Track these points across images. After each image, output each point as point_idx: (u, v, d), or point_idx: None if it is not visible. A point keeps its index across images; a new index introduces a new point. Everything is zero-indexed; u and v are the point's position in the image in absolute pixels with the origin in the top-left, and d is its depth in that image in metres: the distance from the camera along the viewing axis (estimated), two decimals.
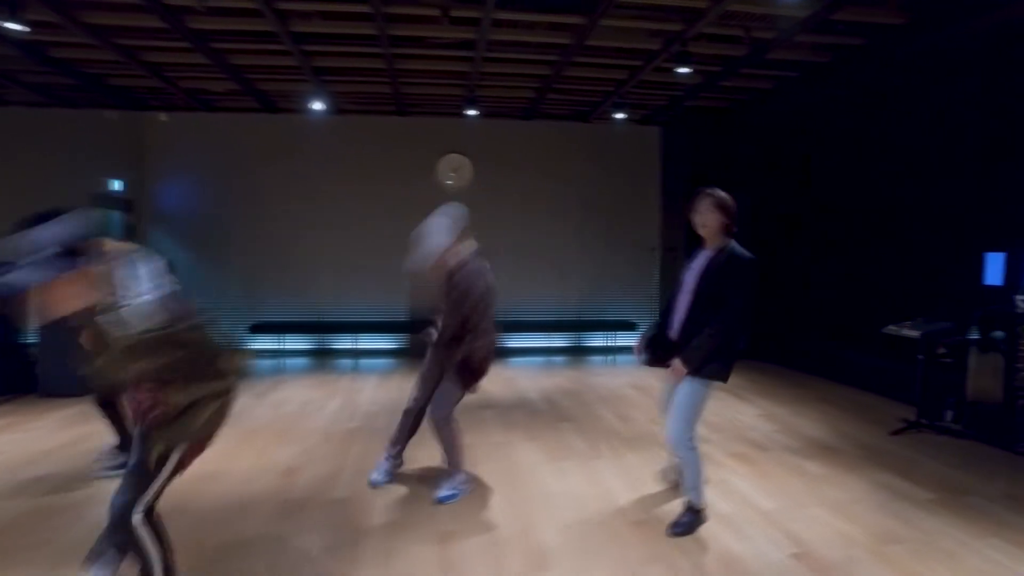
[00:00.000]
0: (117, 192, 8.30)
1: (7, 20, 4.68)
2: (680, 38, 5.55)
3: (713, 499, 3.62)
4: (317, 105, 7.75)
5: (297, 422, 5.43)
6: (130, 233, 8.57)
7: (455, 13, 5.40)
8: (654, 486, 3.94)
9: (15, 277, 1.82)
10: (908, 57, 5.76)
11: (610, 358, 8.88)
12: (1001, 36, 5.10)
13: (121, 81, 7.42)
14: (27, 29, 4.96)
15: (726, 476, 4.13)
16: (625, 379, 7.35)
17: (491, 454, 4.54)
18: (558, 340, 9.44)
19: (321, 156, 8.95)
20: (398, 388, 6.72)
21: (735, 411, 5.83)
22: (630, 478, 4.10)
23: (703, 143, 9.07)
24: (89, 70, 7.00)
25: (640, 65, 6.55)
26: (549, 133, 9.25)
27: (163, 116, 8.60)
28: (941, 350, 5.20)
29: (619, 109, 7.94)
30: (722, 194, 3.26)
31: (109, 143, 8.58)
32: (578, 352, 9.29)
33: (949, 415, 5.34)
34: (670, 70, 6.13)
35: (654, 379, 6.98)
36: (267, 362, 8.46)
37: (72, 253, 1.92)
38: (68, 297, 1.95)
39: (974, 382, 5.09)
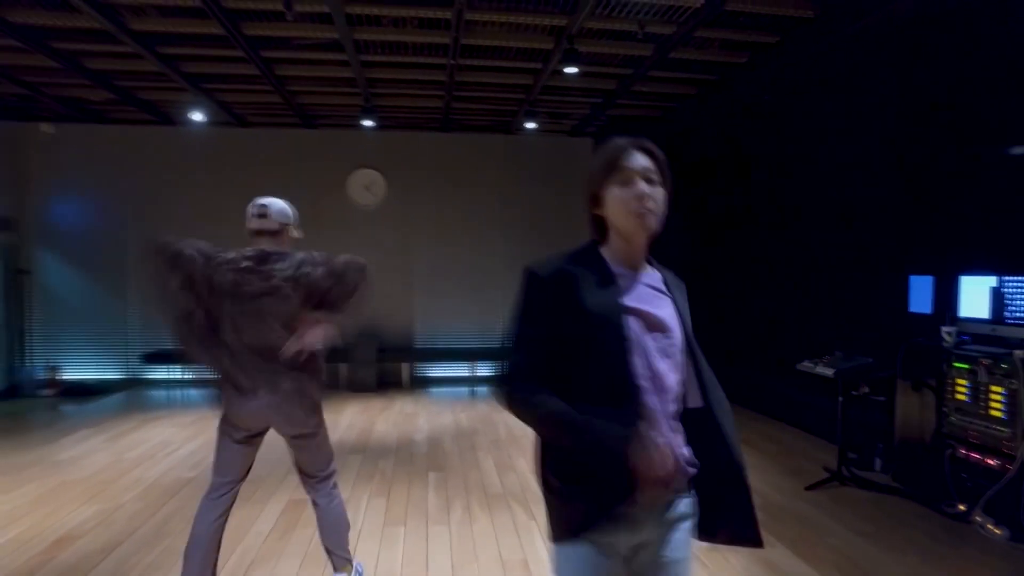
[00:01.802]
0: None
1: None
2: (565, 33, 4.90)
3: None
4: (198, 116, 7.08)
5: (129, 471, 4.68)
6: (11, 254, 7.87)
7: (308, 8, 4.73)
8: (487, 563, 3.20)
9: None
10: (820, 54, 5.11)
11: None
12: (918, 25, 4.47)
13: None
14: None
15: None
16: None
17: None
18: (485, 369, 8.71)
19: (221, 170, 8.25)
20: None
21: None
22: (463, 551, 3.35)
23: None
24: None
25: (538, 68, 5.90)
26: (469, 145, 8.59)
27: (46, 127, 7.89)
28: (864, 389, 4.50)
29: (534, 118, 7.29)
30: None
31: None
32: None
33: (878, 463, 4.65)
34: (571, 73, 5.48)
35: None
36: (160, 393, 7.72)
37: None
38: None
39: (902, 424, 4.40)
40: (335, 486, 2.78)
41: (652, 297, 1.44)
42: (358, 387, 7.82)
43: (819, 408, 5.23)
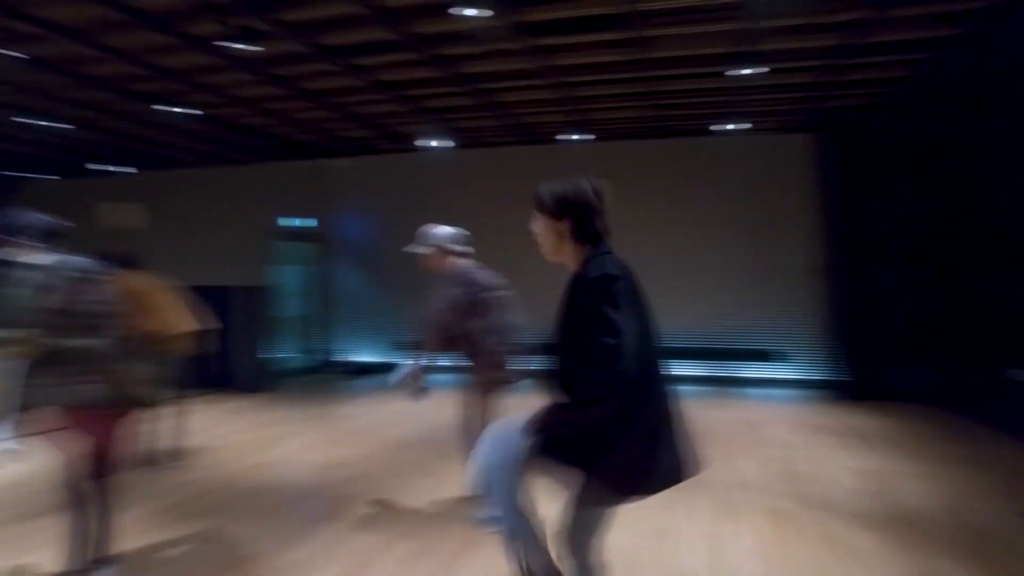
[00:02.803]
0: (305, 228, 10.03)
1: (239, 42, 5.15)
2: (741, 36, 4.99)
3: (691, 555, 3.22)
4: (437, 142, 8.51)
5: (384, 429, 5.99)
6: (318, 261, 10.23)
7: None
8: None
9: None
10: None
11: (732, 390, 8.05)
12: None
13: (303, 138, 9.00)
14: (260, 49, 5.37)
15: (733, 532, 3.60)
16: (733, 414, 6.65)
17: None
18: (695, 368, 8.73)
19: (457, 191, 9.66)
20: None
21: (829, 461, 4.95)
22: None
23: (857, 147, 7.75)
24: (273, 131, 8.65)
25: (718, 71, 5.98)
26: (676, 150, 8.76)
27: (342, 162, 10.11)
28: None
29: (736, 119, 7.28)
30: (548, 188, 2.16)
31: (300, 188, 10.33)
32: (718, 382, 8.53)
33: None
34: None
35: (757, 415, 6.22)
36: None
37: None
38: None
39: None
40: None
41: None
42: None
43: None
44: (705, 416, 6.50)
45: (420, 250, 3.81)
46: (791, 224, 8.39)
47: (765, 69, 5.29)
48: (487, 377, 3.78)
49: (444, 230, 3.85)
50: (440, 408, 6.93)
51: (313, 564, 3.20)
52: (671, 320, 8.62)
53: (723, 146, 8.58)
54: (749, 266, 8.53)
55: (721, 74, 6.02)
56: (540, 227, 2.13)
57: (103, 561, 2.82)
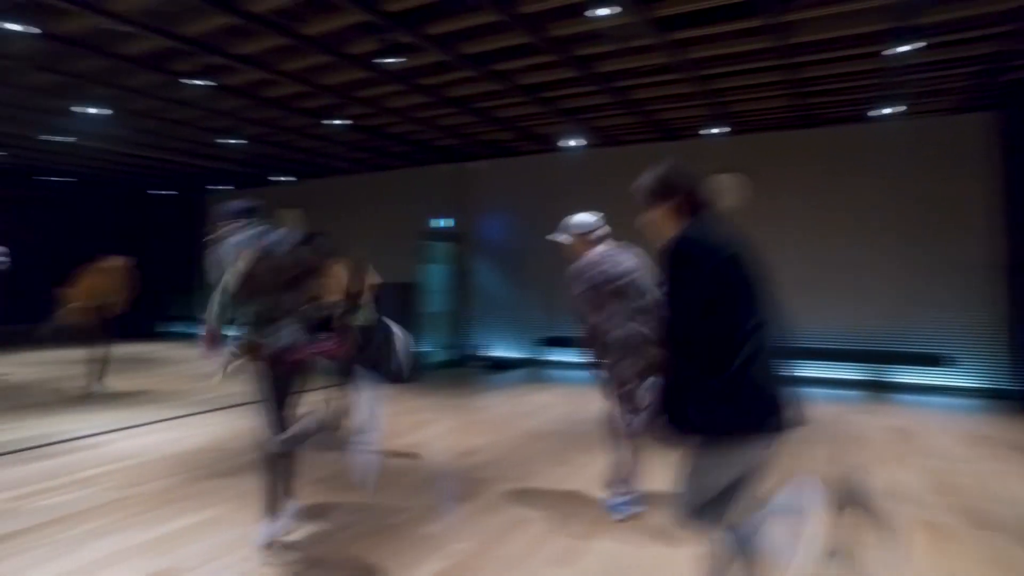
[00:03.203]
0: (448, 228, 10.61)
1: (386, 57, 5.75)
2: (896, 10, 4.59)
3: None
4: (575, 142, 8.62)
5: (516, 420, 6.22)
6: (459, 260, 10.78)
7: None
8: None
9: None
10: None
11: (906, 397, 7.33)
12: None
13: (447, 142, 9.55)
14: (404, 60, 5.89)
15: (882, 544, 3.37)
16: (888, 420, 6.11)
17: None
18: (851, 371, 8.12)
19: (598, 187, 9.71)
20: None
21: (997, 476, 4.44)
22: None
23: None
24: (418, 137, 9.25)
25: (874, 51, 5.51)
26: (827, 139, 8.16)
27: (479, 164, 10.57)
28: None
29: (895, 101, 6.68)
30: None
31: (442, 190, 10.94)
32: (874, 387, 7.86)
33: None
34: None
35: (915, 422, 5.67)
36: (550, 371, 9.55)
37: None
38: None
39: None
40: None
41: None
42: None
43: None
44: (859, 422, 6.08)
45: (561, 239, 3.92)
46: (965, 216, 7.55)
47: (922, 44, 4.82)
48: (621, 370, 3.67)
49: (582, 218, 3.89)
50: (578, 402, 7.10)
51: (449, 538, 3.44)
52: (826, 320, 8.13)
53: (882, 133, 7.91)
54: (915, 263, 7.79)
55: (877, 54, 5.59)
56: (648, 218, 2.34)
57: (282, 511, 3.37)
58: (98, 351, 7.16)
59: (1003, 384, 7.25)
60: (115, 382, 7.48)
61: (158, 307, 13.81)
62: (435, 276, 10.92)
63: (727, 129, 8.40)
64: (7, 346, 10.74)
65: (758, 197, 8.21)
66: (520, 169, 10.40)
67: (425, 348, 9.92)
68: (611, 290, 3.64)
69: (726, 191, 8.72)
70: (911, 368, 7.73)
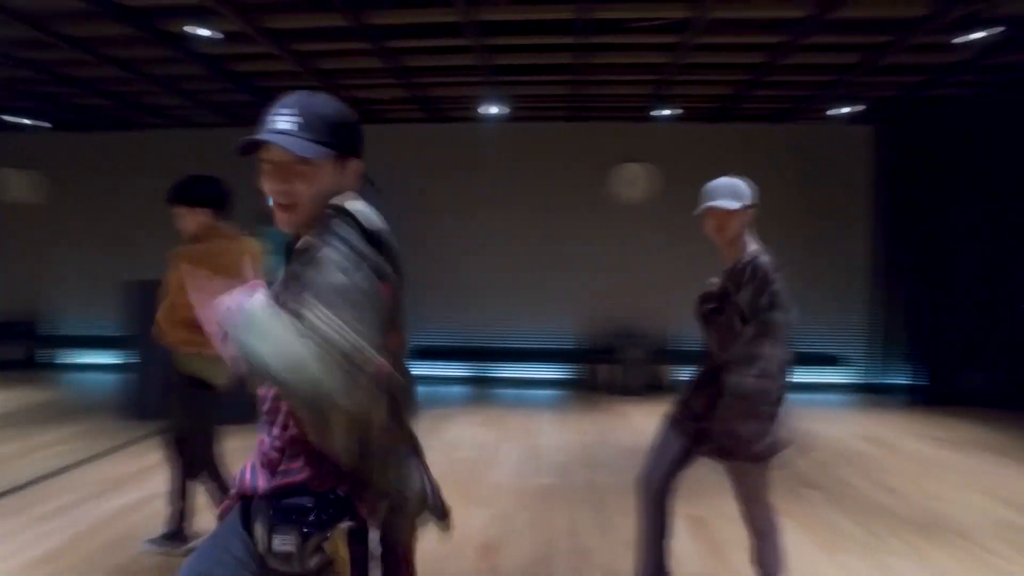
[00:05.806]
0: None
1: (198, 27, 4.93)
2: None
3: None
4: (492, 110, 7.22)
5: (476, 473, 4.68)
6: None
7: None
8: None
9: None
10: None
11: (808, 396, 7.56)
12: None
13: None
14: (220, 35, 5.09)
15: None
16: (850, 428, 6.04)
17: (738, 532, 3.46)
18: None
19: (486, 169, 8.37)
20: (580, 430, 5.90)
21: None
22: None
23: (930, 144, 7.49)
24: (265, 84, 6.85)
25: (889, 41, 5.29)
26: (743, 137, 8.04)
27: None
28: None
29: (837, 104, 6.69)
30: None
31: None
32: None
33: None
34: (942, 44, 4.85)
35: (887, 430, 5.67)
36: (425, 390, 7.93)
37: None
38: None
39: None
40: None
41: None
42: (626, 391, 7.62)
43: None
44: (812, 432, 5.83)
45: (732, 206, 2.42)
46: (849, 221, 8.02)
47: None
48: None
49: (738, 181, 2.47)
50: (518, 431, 5.70)
51: None
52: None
53: (765, 138, 8.03)
54: (800, 265, 8.01)
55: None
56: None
57: None
58: None
59: (890, 379, 7.80)
60: None
61: None
62: None
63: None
64: None
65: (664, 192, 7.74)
66: (391, 138, 8.46)
67: None
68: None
69: (635, 181, 8.12)
70: (806, 368, 7.95)
